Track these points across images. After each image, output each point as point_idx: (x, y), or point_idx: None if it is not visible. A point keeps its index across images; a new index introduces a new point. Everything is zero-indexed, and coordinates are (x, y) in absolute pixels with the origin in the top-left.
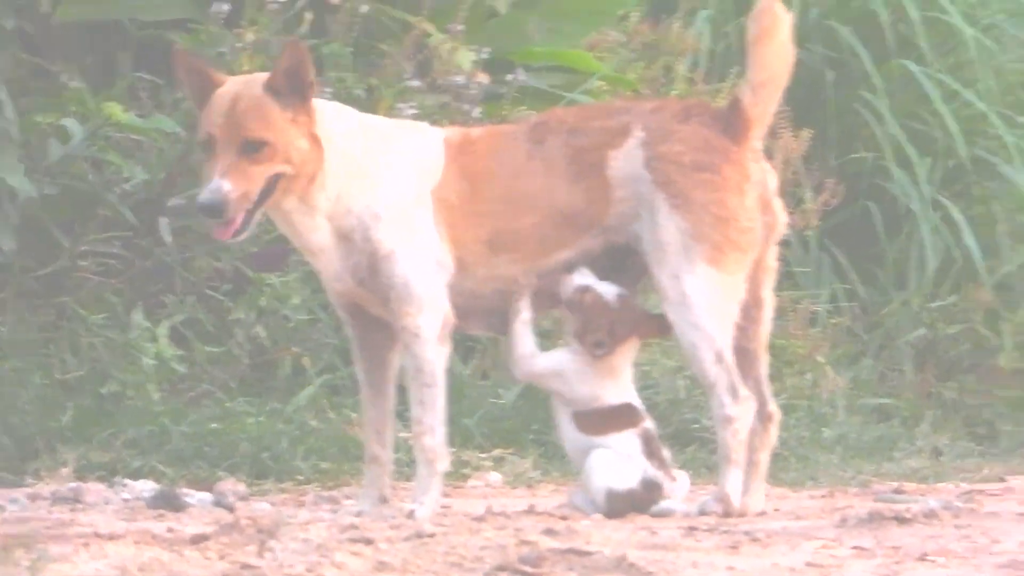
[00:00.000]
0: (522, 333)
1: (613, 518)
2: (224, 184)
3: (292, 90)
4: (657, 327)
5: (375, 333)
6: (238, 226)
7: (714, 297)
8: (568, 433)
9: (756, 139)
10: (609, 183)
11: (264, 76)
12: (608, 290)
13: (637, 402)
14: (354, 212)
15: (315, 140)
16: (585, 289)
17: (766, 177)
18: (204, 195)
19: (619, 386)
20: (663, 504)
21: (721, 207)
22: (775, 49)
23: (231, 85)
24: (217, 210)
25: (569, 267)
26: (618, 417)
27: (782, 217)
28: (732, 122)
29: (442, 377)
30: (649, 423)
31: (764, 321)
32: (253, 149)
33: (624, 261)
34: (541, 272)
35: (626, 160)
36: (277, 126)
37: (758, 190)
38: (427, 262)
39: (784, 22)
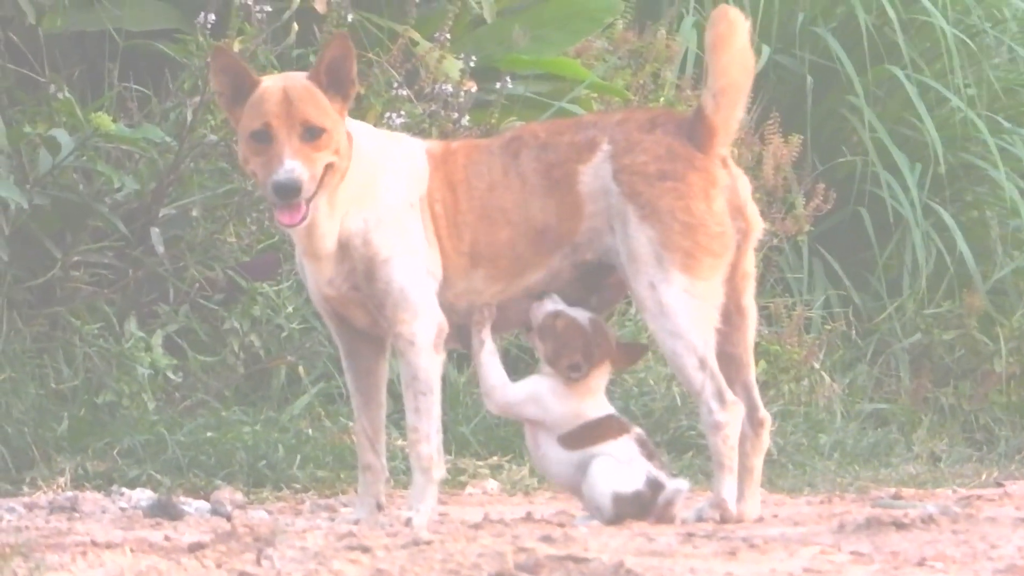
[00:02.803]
0: (489, 364)
1: (618, 523)
2: (297, 165)
3: (332, 84)
4: (628, 357)
5: (362, 341)
6: (305, 211)
7: (692, 304)
8: (556, 455)
9: (722, 145)
10: (580, 198)
11: (302, 74)
12: (580, 314)
13: (615, 413)
14: (359, 216)
15: (348, 136)
16: (557, 315)
17: (736, 183)
18: (280, 175)
19: (597, 402)
20: (670, 485)
21: (688, 214)
22: (733, 55)
23: (274, 80)
24: (294, 189)
25: (537, 291)
26: (607, 428)
27: (757, 222)
28: (697, 130)
29: (437, 385)
30: (639, 431)
31: (748, 328)
32: (313, 136)
33: (598, 282)
34: (510, 292)
35: (595, 174)
36: (330, 115)
37: (726, 195)
38: (421, 270)
39: (741, 28)
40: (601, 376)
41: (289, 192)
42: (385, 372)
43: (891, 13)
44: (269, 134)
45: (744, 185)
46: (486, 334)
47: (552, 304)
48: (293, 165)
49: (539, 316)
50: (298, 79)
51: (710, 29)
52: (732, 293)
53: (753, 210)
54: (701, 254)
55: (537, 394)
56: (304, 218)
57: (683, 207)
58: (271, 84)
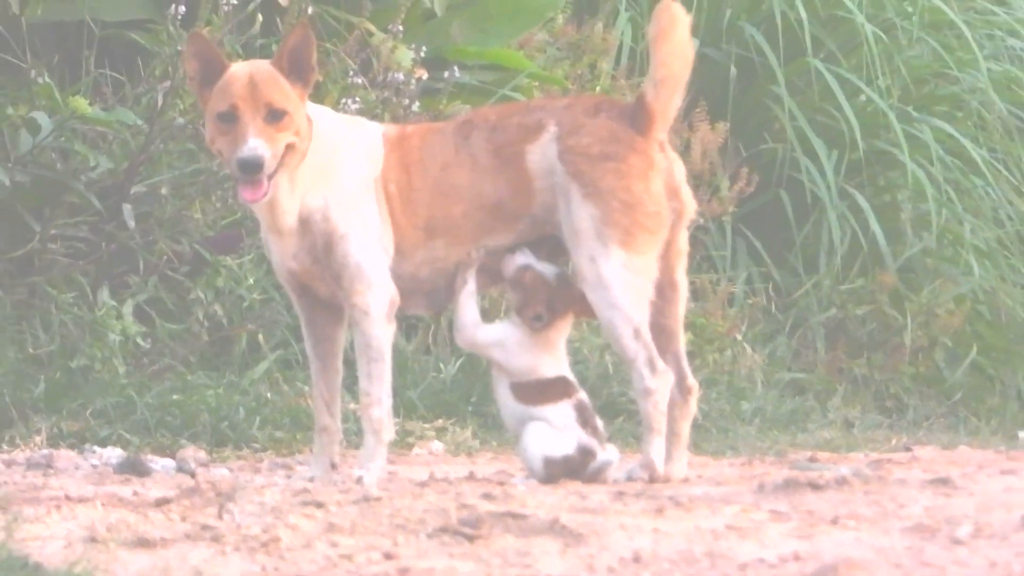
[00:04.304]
0: (467, 303)
1: (553, 483)
2: (260, 143)
3: (293, 70)
4: (591, 306)
5: (322, 311)
6: (266, 188)
7: (628, 277)
8: (506, 402)
9: (661, 131)
10: (529, 175)
11: (268, 61)
12: (547, 269)
13: (571, 376)
14: (319, 194)
15: (308, 120)
16: (526, 267)
17: (672, 166)
18: (244, 152)
19: (555, 360)
20: (601, 457)
21: (628, 193)
22: (674, 47)
23: (241, 65)
24: (257, 165)
25: (510, 249)
26: (553, 389)
27: (690, 203)
28: (638, 116)
29: (388, 352)
30: (582, 395)
31: (679, 301)
32: (276, 117)
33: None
34: (480, 254)
35: (542, 154)
36: (291, 99)
37: (663, 177)
38: (376, 245)
39: (682, 21)
40: (563, 328)
41: (252, 168)
42: (342, 340)
43: (804, 12)
44: (235, 115)
45: (679, 168)
46: (470, 275)
47: (523, 257)
48: (256, 143)
49: (510, 269)
50: (263, 65)
51: (653, 22)
52: (666, 269)
53: (687, 192)
54: (638, 231)
55: (504, 340)
56: (265, 194)
57: (623, 187)
58: (238, 69)
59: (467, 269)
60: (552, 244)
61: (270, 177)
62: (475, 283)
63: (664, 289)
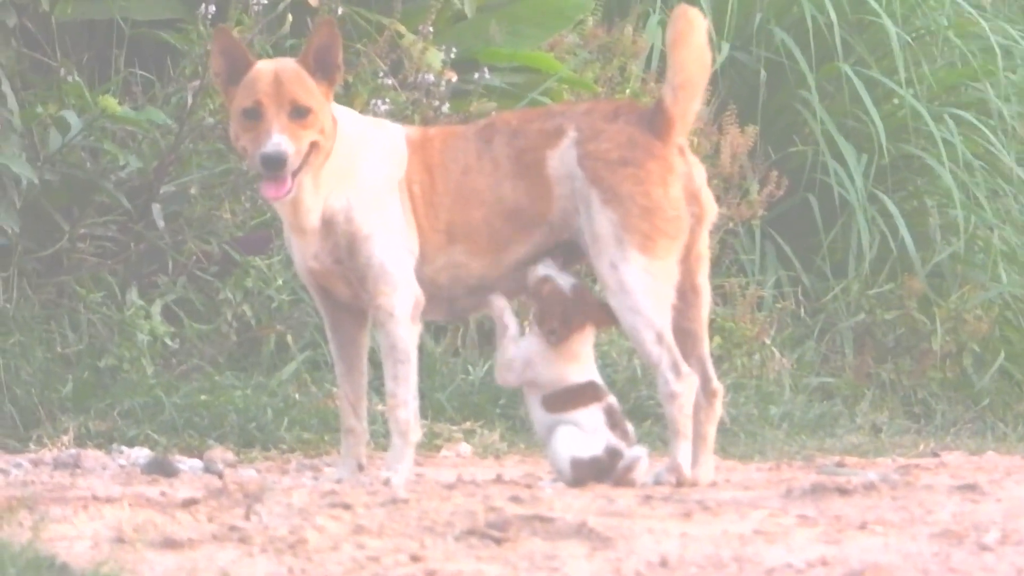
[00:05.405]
0: (505, 348)
1: (577, 486)
2: (283, 139)
3: (319, 68)
4: (611, 317)
5: (345, 313)
6: (290, 186)
7: (649, 282)
8: (538, 415)
9: (679, 135)
10: (549, 181)
11: (293, 59)
12: (565, 281)
13: (599, 380)
14: (342, 195)
15: (333, 119)
16: (545, 279)
17: (692, 170)
18: (267, 148)
19: (581, 366)
20: (629, 454)
21: (647, 198)
22: (691, 52)
23: (266, 62)
24: (281, 161)
25: (528, 262)
26: (583, 394)
27: (711, 207)
28: (656, 121)
29: (414, 354)
30: (612, 399)
31: (702, 305)
32: (300, 115)
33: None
34: (501, 267)
35: (562, 159)
36: (316, 96)
37: (683, 182)
38: (399, 246)
39: (698, 26)
40: (583, 340)
41: (275, 164)
42: (366, 342)
43: (834, 16)
44: (259, 111)
45: (699, 172)
46: (508, 319)
47: (544, 269)
48: (280, 139)
49: (532, 280)
50: (289, 63)
51: (670, 27)
52: (687, 273)
53: (707, 196)
54: (658, 236)
55: (530, 357)
56: (289, 192)
57: (642, 192)
58: (263, 66)
59: (502, 315)
60: (568, 250)
61: (294, 175)
62: (516, 327)
63: (686, 293)
